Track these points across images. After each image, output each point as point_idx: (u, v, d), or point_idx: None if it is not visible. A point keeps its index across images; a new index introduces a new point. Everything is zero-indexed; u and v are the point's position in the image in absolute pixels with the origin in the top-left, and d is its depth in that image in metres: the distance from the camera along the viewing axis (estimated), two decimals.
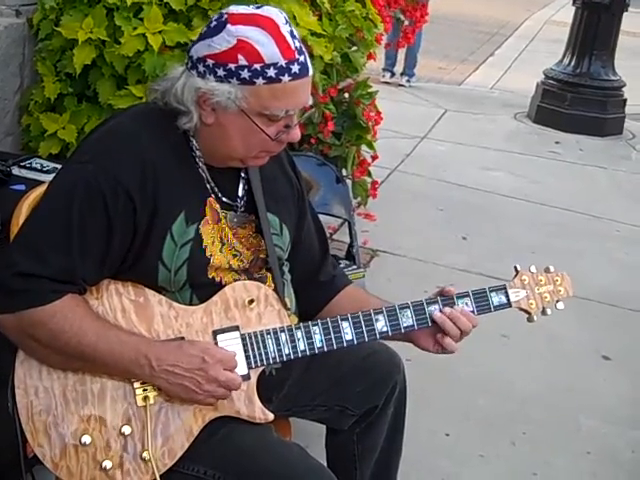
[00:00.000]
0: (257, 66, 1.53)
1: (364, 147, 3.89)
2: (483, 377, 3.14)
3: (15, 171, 2.32)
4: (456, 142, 6.28)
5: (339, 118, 3.59)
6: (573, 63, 6.93)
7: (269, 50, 1.53)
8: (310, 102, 1.64)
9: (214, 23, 1.57)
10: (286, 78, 1.54)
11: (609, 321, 3.75)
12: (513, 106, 7.48)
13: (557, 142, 6.57)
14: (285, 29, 1.56)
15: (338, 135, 3.62)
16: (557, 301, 1.82)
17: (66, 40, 2.70)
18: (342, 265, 2.94)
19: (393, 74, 8.05)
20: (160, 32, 2.64)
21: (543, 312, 1.81)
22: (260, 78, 1.53)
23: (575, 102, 6.82)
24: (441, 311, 1.74)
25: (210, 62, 1.55)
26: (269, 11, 1.57)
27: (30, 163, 2.43)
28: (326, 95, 3.35)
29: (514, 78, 8.82)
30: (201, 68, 1.56)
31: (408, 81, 7.99)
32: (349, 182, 3.79)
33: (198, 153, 1.65)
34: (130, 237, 1.57)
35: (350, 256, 3.12)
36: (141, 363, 1.54)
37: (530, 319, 1.81)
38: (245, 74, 1.53)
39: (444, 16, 10.35)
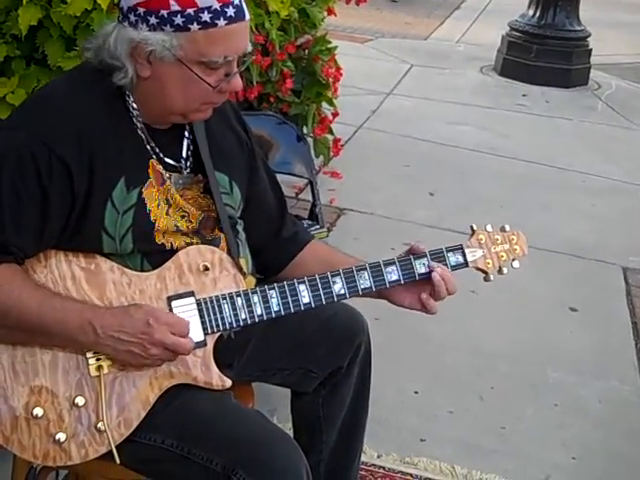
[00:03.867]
0: (190, 11, 1.47)
1: (325, 104, 3.83)
2: (451, 333, 3.13)
3: None
4: (422, 97, 6.23)
5: (298, 75, 3.52)
6: (538, 14, 6.88)
7: None
8: (250, 48, 1.58)
9: None
10: (222, 22, 1.48)
11: (576, 273, 3.76)
12: (479, 59, 7.42)
13: (524, 95, 6.54)
14: None
15: (297, 93, 3.55)
16: (513, 260, 1.80)
17: (10, 0, 2.60)
18: (305, 225, 2.90)
19: None
20: None
21: (499, 271, 1.78)
22: (195, 23, 1.47)
23: (540, 54, 6.78)
24: (437, 273, 1.69)
25: (141, 10, 1.49)
26: None
27: None
28: (284, 52, 3.29)
29: (480, 31, 8.75)
30: (132, 18, 1.50)
31: None
32: (310, 140, 3.73)
33: (135, 112, 1.58)
34: (69, 206, 1.52)
35: (313, 216, 3.08)
36: (86, 330, 1.50)
37: (487, 278, 1.78)
38: (179, 20, 1.47)
39: None
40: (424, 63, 7.23)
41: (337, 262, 1.76)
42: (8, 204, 1.48)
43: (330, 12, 3.69)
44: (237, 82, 1.57)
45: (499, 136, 5.49)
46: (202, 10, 1.47)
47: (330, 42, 3.70)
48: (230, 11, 1.49)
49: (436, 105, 6.09)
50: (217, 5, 1.48)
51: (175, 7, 1.47)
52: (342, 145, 4.11)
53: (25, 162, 1.48)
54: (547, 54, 6.77)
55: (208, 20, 1.47)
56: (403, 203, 4.28)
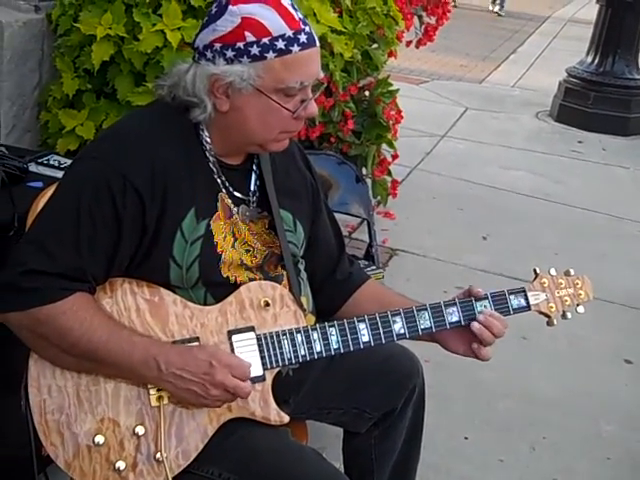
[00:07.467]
0: (265, 40, 1.51)
1: (384, 146, 3.85)
2: (503, 380, 3.10)
3: (32, 168, 2.30)
4: (477, 141, 6.23)
5: (359, 116, 3.56)
6: (597, 62, 6.85)
7: (275, 23, 1.52)
8: (322, 74, 1.62)
9: (215, 9, 1.57)
10: (296, 48, 1.53)
11: (631, 324, 3.69)
12: (535, 105, 7.40)
13: (580, 141, 6.50)
14: (286, 1, 1.55)
15: (358, 134, 3.59)
16: (578, 305, 1.78)
17: (85, 36, 2.70)
18: (361, 265, 2.90)
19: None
20: (179, 29, 2.63)
21: (563, 316, 1.78)
22: (270, 52, 1.52)
23: (598, 101, 6.74)
24: (477, 321, 1.70)
25: (217, 46, 1.54)
26: None
27: (47, 160, 2.41)
28: (346, 93, 3.33)
29: (536, 76, 8.73)
30: (209, 54, 1.55)
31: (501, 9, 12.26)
32: (369, 181, 3.75)
33: (208, 147, 1.63)
34: (139, 234, 1.55)
35: (369, 256, 3.09)
36: (150, 365, 1.52)
37: (550, 323, 1.77)
38: (255, 50, 1.52)
39: (466, 13, 10.28)
40: (479, 107, 7.23)
41: (390, 303, 1.76)
42: (85, 229, 1.52)
43: (391, 55, 3.73)
44: (313, 108, 1.61)
45: (554, 182, 5.45)
46: (276, 38, 1.52)
47: (392, 85, 3.74)
48: (302, 37, 1.54)
49: (490, 149, 6.08)
50: (290, 32, 1.53)
51: (250, 38, 1.52)
52: None
53: (101, 190, 1.53)
54: (605, 101, 6.73)
55: (283, 47, 1.52)
56: (456, 246, 4.26)
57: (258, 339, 1.62)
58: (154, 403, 1.57)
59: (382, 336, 1.68)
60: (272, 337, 1.63)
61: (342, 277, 1.89)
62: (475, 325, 1.69)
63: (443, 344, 1.78)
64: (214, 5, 1.58)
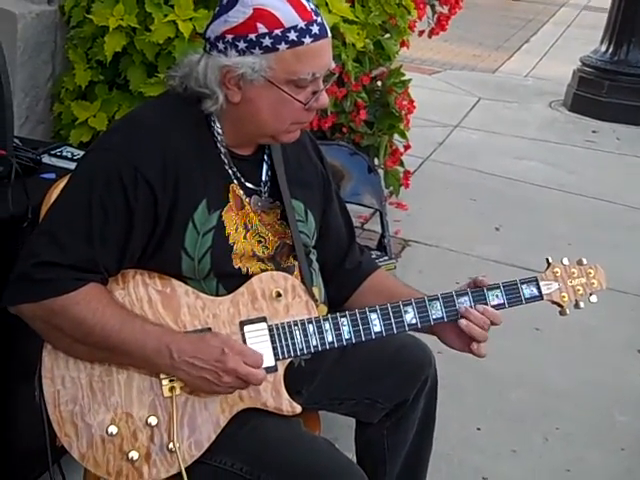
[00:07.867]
0: (278, 31, 1.51)
1: (396, 136, 3.85)
2: (515, 371, 3.09)
3: (45, 159, 2.31)
4: (490, 131, 6.20)
5: (371, 107, 3.56)
6: (611, 50, 6.81)
7: (287, 14, 1.52)
8: (333, 65, 1.62)
9: (226, 0, 1.56)
10: (308, 40, 1.53)
11: None
12: (548, 94, 7.36)
13: (594, 131, 6.46)
14: None
15: (370, 124, 3.58)
16: (590, 294, 1.77)
17: (97, 27, 2.70)
18: (373, 256, 2.90)
19: None
20: (191, 19, 2.63)
21: (576, 305, 1.77)
22: (282, 43, 1.52)
23: (612, 90, 6.69)
24: (465, 318, 1.69)
25: (229, 37, 1.53)
26: None
27: (61, 151, 2.42)
28: (358, 83, 3.33)
29: (549, 65, 8.68)
30: (221, 46, 1.54)
31: None
32: (381, 172, 3.75)
33: (220, 137, 1.63)
34: (151, 226, 1.56)
35: (381, 247, 3.09)
36: (163, 354, 1.53)
37: (562, 312, 1.77)
38: (267, 42, 1.52)
39: (479, 2, 10.24)
40: (492, 96, 7.20)
41: (401, 294, 1.76)
42: (97, 221, 1.53)
43: (403, 44, 3.72)
44: (324, 99, 1.62)
45: (567, 172, 5.42)
46: (289, 30, 1.52)
47: (404, 75, 3.73)
48: (315, 29, 1.54)
49: (503, 139, 6.05)
50: (302, 24, 1.52)
51: (263, 29, 1.52)
52: None
53: (113, 181, 1.53)
54: (619, 91, 6.68)
55: (295, 39, 1.52)
56: (469, 237, 4.25)
57: (270, 330, 1.63)
58: (166, 394, 1.57)
59: (394, 326, 1.68)
60: (284, 328, 1.63)
61: (351, 266, 1.89)
62: (462, 322, 1.69)
63: (442, 338, 1.78)
64: None
